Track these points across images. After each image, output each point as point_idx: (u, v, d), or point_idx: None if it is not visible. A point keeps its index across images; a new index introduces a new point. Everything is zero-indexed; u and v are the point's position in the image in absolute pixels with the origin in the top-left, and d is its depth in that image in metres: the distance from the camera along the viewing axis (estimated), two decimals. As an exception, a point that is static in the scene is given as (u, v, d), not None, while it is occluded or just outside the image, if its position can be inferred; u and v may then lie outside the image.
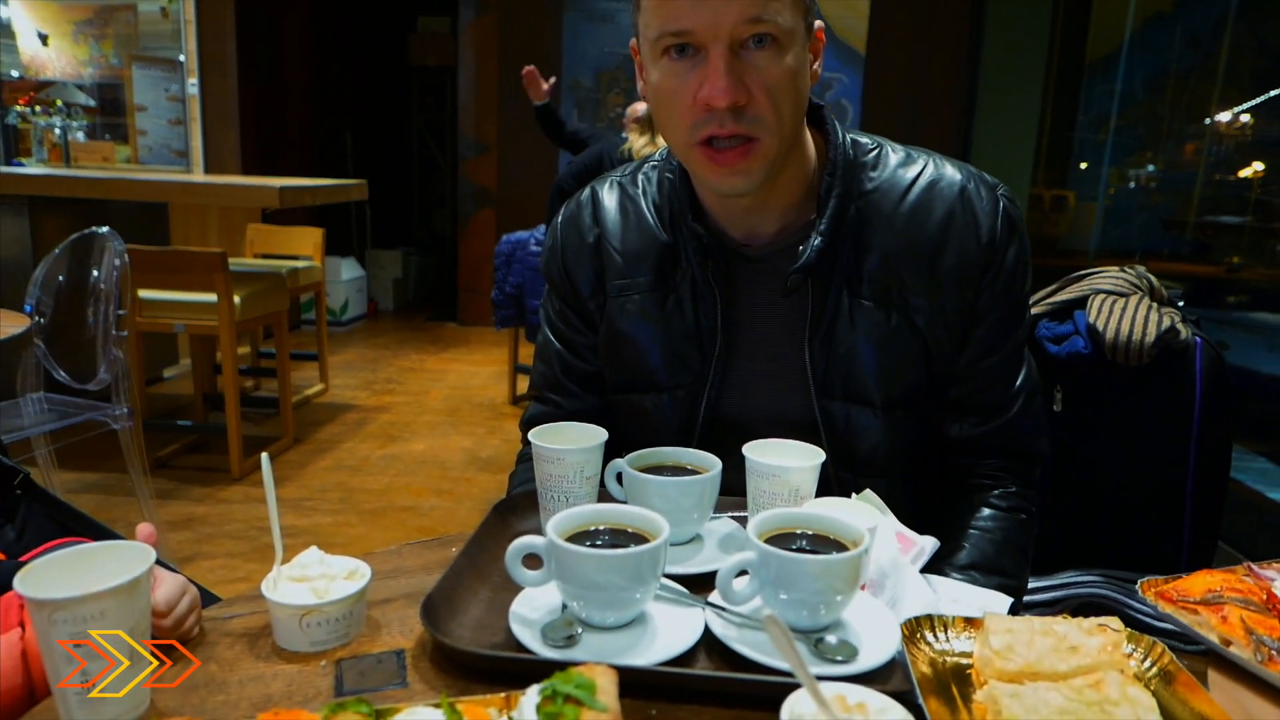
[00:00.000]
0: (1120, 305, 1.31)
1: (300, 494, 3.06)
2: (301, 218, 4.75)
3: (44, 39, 5.55)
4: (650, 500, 0.78)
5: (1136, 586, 0.76)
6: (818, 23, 0.88)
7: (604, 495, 0.86)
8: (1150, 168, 4.30)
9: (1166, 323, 1.27)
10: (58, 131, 5.49)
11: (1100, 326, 1.29)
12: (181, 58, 5.20)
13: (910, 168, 0.95)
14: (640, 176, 1.04)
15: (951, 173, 0.95)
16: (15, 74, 5.53)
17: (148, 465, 3.15)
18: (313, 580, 0.66)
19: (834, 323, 0.93)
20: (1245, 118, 3.51)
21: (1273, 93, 3.35)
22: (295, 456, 3.43)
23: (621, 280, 1.00)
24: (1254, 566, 0.74)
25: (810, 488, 0.80)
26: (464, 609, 0.70)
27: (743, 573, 0.66)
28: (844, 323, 0.93)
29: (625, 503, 0.83)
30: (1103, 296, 1.34)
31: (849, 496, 0.82)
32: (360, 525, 2.83)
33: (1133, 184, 4.40)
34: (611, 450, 0.97)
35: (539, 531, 0.69)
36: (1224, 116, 3.60)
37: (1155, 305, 1.33)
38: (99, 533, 1.19)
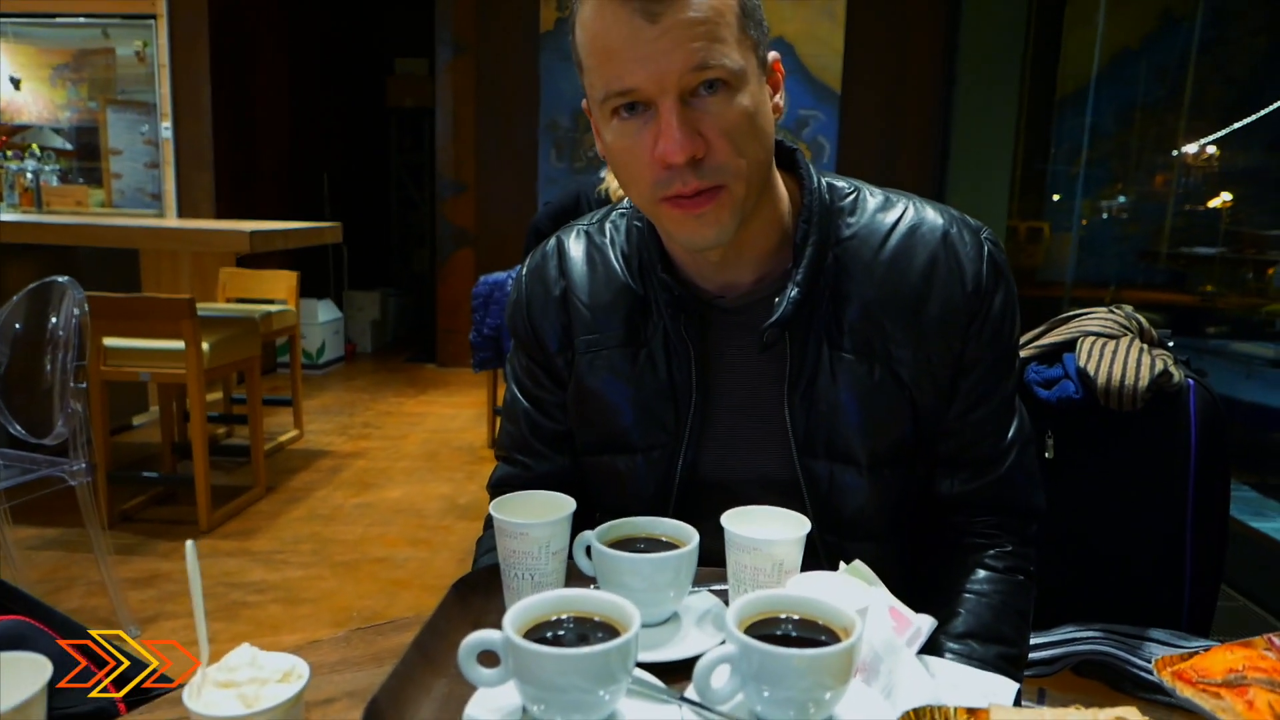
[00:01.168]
0: (1110, 348, 1.27)
1: (271, 546, 2.96)
2: (277, 260, 4.68)
3: (16, 83, 5.50)
4: (622, 579, 0.72)
5: (1151, 660, 0.71)
6: (772, 54, 0.84)
7: (573, 569, 0.80)
8: (1122, 199, 4.35)
9: (1159, 366, 1.23)
10: (29, 176, 5.42)
11: (1091, 371, 1.25)
12: (156, 100, 5.16)
13: (889, 212, 0.91)
14: (608, 225, 0.99)
15: (933, 216, 0.91)
16: (-7, 119, 5.47)
17: (111, 519, 3.05)
18: (241, 685, 0.59)
19: (814, 377, 0.88)
20: (1212, 149, 3.56)
21: (1236, 125, 3.40)
22: (267, 506, 3.32)
23: (590, 335, 0.94)
24: (1275, 639, 0.69)
25: (795, 561, 0.74)
26: (413, 711, 0.63)
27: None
28: (825, 377, 0.88)
29: (594, 578, 0.76)
30: (1092, 339, 1.30)
31: (836, 566, 0.76)
32: (333, 578, 2.72)
33: (1106, 215, 4.44)
34: (584, 514, 0.91)
35: (504, 613, 0.63)
36: (1191, 148, 3.65)
37: (1146, 347, 1.29)
38: (36, 610, 1.11)
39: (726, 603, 0.77)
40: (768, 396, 0.89)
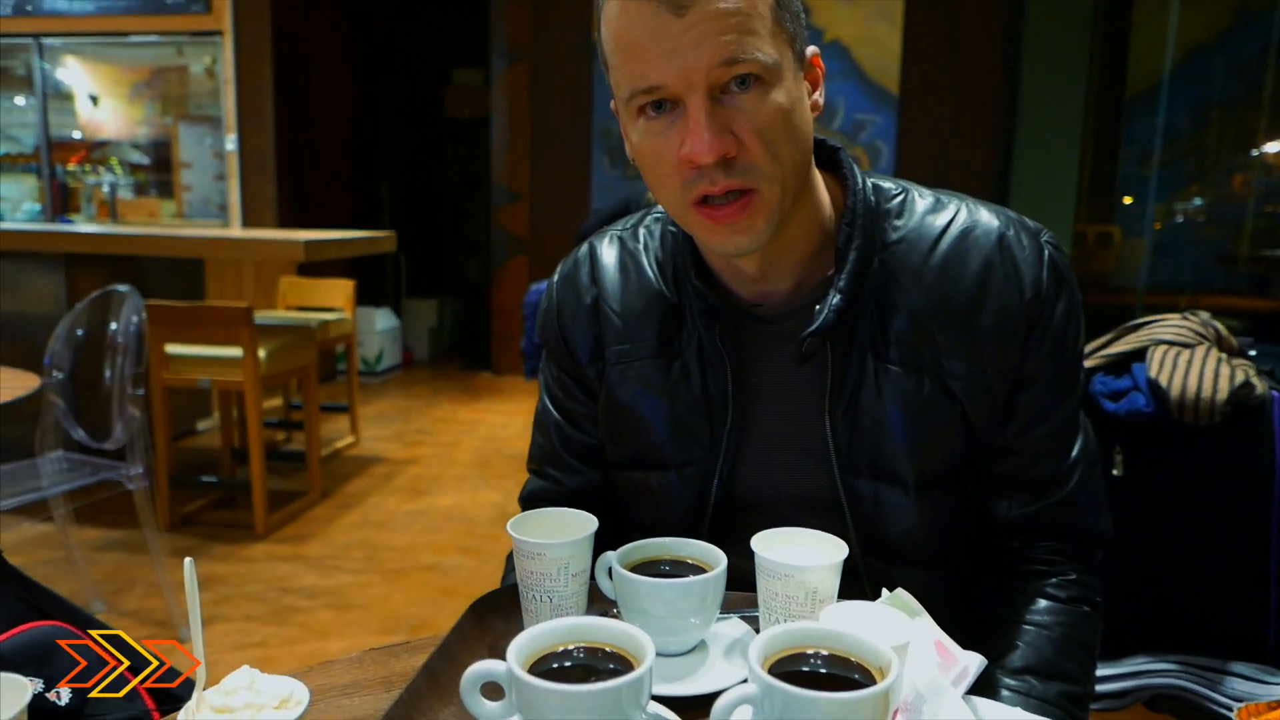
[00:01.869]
0: (1185, 358, 1.18)
1: (324, 552, 2.99)
2: (337, 269, 4.77)
3: (94, 100, 5.74)
4: (643, 604, 0.67)
5: (1235, 707, 0.63)
6: (811, 49, 0.78)
7: (596, 592, 0.76)
8: (1198, 201, 4.16)
9: (1240, 377, 1.14)
10: (105, 189, 5.66)
11: (1164, 382, 1.16)
12: (222, 114, 5.32)
13: (940, 214, 0.85)
14: (641, 230, 0.95)
15: (987, 219, 0.84)
16: (77, 135, 5.73)
17: (172, 522, 3.13)
18: (236, 711, 0.56)
19: (858, 391, 0.82)
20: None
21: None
22: (321, 512, 3.36)
23: (621, 346, 0.90)
24: (1377, 690, 0.61)
25: (830, 589, 0.68)
26: (418, 742, 0.60)
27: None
28: (869, 390, 0.82)
29: (615, 602, 0.72)
30: (1164, 348, 1.21)
31: (878, 595, 0.71)
32: (382, 585, 2.74)
33: (1180, 218, 4.25)
34: (616, 533, 0.87)
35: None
36: (1272, 147, 3.47)
37: (1225, 357, 1.20)
38: (70, 614, 1.12)
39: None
40: (808, 411, 0.84)
